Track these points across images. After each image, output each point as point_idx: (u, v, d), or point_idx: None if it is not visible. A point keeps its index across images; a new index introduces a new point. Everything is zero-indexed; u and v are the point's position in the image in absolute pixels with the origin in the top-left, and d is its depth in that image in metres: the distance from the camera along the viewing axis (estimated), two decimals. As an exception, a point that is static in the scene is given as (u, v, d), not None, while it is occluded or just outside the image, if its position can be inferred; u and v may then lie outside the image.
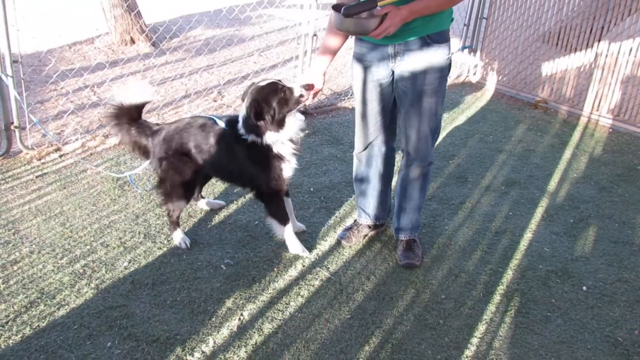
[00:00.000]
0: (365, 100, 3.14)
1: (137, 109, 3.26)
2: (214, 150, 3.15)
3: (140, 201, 3.80)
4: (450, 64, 3.01)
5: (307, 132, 5.14)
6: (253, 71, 6.72)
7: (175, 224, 3.36)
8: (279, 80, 2.99)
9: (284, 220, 3.28)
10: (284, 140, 3.05)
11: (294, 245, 3.33)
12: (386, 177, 3.41)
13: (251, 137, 3.01)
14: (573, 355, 2.71)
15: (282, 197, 3.26)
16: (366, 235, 3.54)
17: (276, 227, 3.30)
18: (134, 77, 6.29)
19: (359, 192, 3.49)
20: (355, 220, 3.57)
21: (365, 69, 3.06)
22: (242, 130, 3.03)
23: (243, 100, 3.04)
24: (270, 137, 3.01)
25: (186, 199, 3.34)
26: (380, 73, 3.02)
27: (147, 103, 3.30)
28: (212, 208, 3.76)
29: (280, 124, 2.99)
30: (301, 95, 2.97)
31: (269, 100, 2.92)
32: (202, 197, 3.77)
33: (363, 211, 3.50)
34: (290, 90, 2.96)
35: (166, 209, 3.36)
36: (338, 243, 3.47)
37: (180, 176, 3.23)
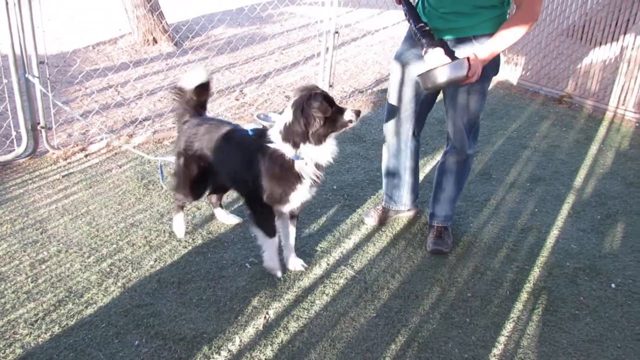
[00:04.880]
0: (402, 96, 3.23)
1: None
2: (232, 160, 3.03)
3: (165, 200, 3.83)
4: (498, 63, 3.04)
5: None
6: (275, 69, 6.73)
7: (179, 207, 3.44)
8: (331, 97, 2.83)
9: (269, 232, 3.04)
10: (314, 158, 2.83)
11: (270, 263, 3.12)
12: (414, 167, 3.49)
13: (283, 147, 2.80)
14: (603, 353, 2.67)
15: (274, 213, 3.02)
16: (389, 217, 3.66)
17: (262, 238, 3.06)
18: (157, 77, 6.34)
19: (387, 181, 3.58)
20: (382, 205, 3.70)
21: (407, 65, 3.15)
22: (276, 136, 2.82)
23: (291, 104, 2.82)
24: (305, 150, 2.79)
25: (193, 196, 3.37)
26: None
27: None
28: (224, 222, 3.63)
29: (320, 140, 2.79)
30: (350, 121, 2.83)
31: (321, 114, 2.72)
32: (221, 207, 3.65)
33: (390, 198, 3.61)
34: (342, 111, 2.82)
35: (175, 196, 3.48)
36: (361, 222, 3.59)
37: (192, 177, 3.25)
